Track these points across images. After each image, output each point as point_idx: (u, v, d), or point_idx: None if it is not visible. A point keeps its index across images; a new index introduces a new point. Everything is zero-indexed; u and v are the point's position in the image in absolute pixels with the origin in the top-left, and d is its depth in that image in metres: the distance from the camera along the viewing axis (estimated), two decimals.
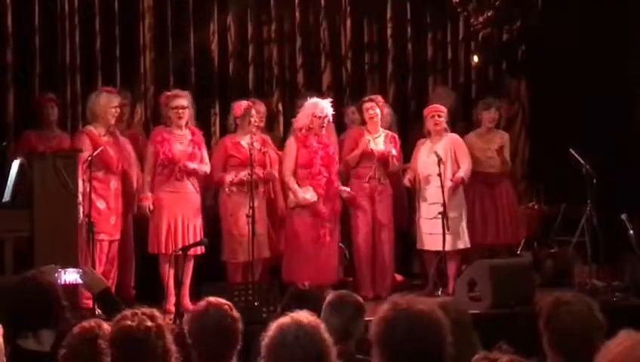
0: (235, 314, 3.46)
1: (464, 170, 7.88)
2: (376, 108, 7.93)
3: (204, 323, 3.41)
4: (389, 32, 9.51)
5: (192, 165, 7.32)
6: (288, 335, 2.67)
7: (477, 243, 8.07)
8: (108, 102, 7.23)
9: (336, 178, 7.70)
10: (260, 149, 7.59)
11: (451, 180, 7.79)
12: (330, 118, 7.67)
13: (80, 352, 3.20)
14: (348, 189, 7.77)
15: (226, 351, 3.40)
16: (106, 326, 3.25)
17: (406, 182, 7.96)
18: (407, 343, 2.61)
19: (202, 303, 3.52)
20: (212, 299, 3.54)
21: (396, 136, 8.08)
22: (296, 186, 7.56)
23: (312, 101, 7.67)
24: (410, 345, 2.61)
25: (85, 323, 3.29)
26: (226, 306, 3.46)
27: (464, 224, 7.90)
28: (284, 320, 2.72)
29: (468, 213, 7.99)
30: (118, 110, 7.28)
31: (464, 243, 7.85)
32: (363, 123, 8.02)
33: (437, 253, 7.80)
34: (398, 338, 2.62)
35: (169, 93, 7.53)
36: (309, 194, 7.52)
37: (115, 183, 7.26)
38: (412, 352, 2.61)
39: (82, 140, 7.19)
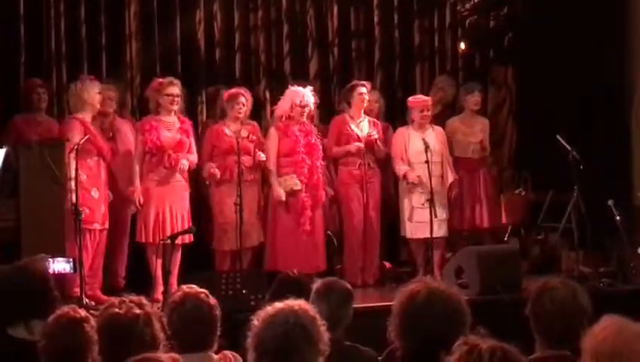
0: (212, 301, 3.45)
1: (452, 171, 7.98)
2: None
3: (182, 314, 3.40)
4: (375, 19, 9.48)
5: (184, 163, 7.28)
6: (277, 323, 2.62)
7: (454, 229, 8.11)
8: (93, 89, 7.20)
9: (318, 166, 7.63)
10: (248, 136, 7.55)
11: (450, 188, 7.92)
12: (312, 107, 7.63)
13: (59, 340, 3.17)
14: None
15: (206, 338, 3.40)
16: (83, 312, 3.23)
17: (414, 179, 7.81)
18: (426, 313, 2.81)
19: (178, 293, 3.50)
20: (186, 288, 3.52)
21: (378, 121, 8.08)
22: (275, 181, 7.51)
23: (294, 89, 7.64)
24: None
25: (60, 312, 3.25)
26: (202, 294, 3.45)
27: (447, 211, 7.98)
28: (273, 308, 2.67)
29: (448, 198, 8.04)
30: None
31: (445, 230, 7.90)
32: (348, 106, 7.97)
33: (425, 240, 7.82)
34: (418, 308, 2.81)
35: (162, 79, 7.47)
36: (292, 182, 7.49)
37: (94, 170, 7.16)
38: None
39: (73, 126, 7.14)
